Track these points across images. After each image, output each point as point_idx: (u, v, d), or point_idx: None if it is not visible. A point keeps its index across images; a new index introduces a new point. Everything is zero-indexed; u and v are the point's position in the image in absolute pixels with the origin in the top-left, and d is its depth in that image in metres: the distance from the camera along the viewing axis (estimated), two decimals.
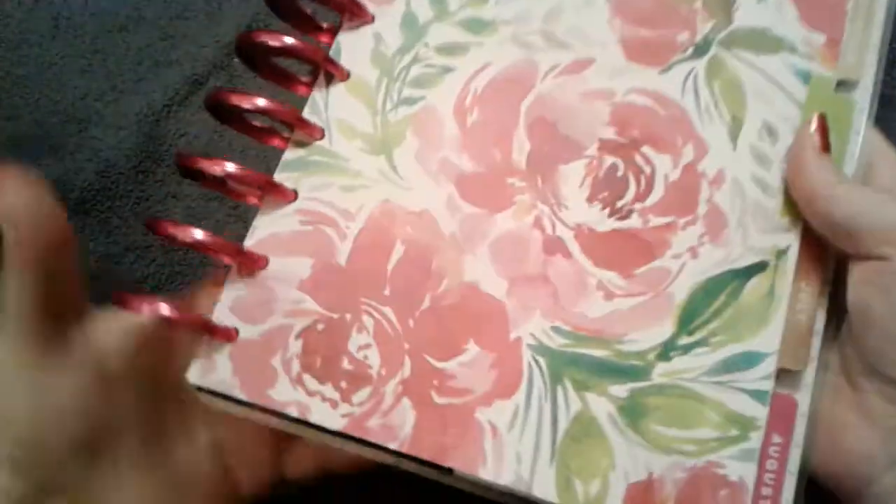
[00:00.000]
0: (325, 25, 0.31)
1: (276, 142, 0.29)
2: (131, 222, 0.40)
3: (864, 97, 0.29)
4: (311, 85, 0.30)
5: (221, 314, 0.27)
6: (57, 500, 0.24)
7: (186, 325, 0.26)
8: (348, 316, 0.27)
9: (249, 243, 0.27)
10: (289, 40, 0.28)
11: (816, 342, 0.27)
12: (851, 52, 0.30)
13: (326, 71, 0.29)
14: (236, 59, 0.41)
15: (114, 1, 0.44)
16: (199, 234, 0.26)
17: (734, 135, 0.29)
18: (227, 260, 0.27)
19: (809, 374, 0.27)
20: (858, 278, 0.26)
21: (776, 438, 0.26)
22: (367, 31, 0.30)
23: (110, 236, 0.40)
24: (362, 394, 0.26)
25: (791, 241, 0.27)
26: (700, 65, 0.30)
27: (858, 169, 0.28)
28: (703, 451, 0.25)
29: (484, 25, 0.30)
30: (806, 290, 0.27)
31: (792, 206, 0.28)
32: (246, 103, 0.27)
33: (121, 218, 0.40)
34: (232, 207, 0.40)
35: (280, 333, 0.26)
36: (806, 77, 0.29)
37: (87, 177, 0.40)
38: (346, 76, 0.29)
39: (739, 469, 0.25)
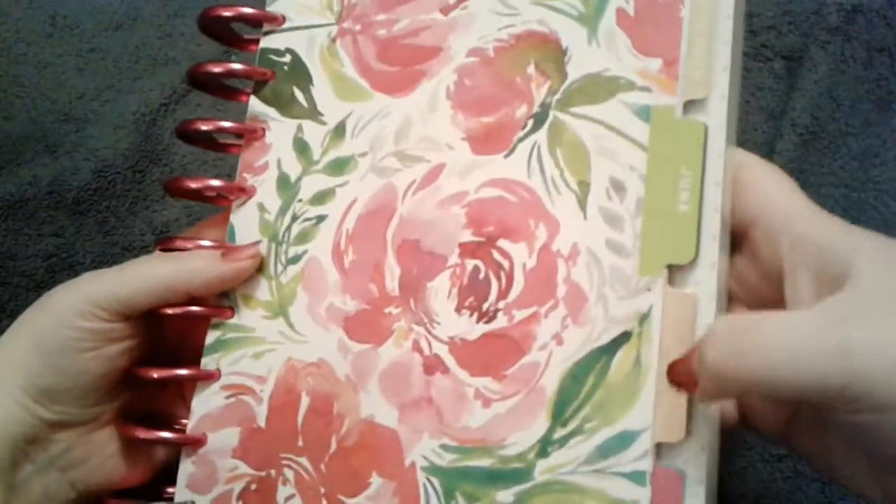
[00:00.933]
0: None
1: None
2: (128, 222, 0.42)
3: (718, 113, 0.27)
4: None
5: (181, 493, 0.32)
6: None
7: None
8: (273, 472, 0.31)
9: (191, 426, 0.32)
10: (203, 244, 0.33)
11: (698, 410, 0.26)
12: (697, 68, 0.28)
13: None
14: (234, 57, 0.44)
15: (111, 0, 0.45)
16: (163, 434, 0.31)
17: (582, 202, 0.29)
18: (176, 446, 0.32)
19: (696, 442, 0.26)
20: None
21: None
22: (251, 204, 0.34)
23: (107, 236, 0.42)
24: None
25: (652, 300, 0.27)
26: (541, 136, 0.30)
27: (725, 190, 0.27)
28: None
29: (345, 164, 0.33)
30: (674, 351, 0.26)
31: (649, 261, 0.27)
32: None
33: (118, 217, 0.42)
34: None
35: (224, 499, 0.31)
36: (646, 114, 0.28)
37: (84, 176, 0.42)
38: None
39: None
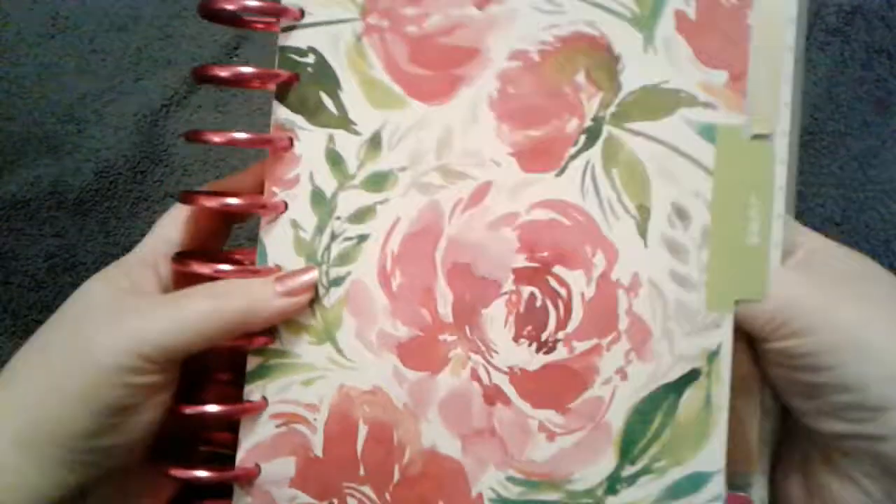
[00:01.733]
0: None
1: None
2: (129, 222, 0.42)
3: (780, 149, 0.26)
4: None
5: None
6: None
7: None
8: (335, 501, 0.31)
9: (240, 457, 0.32)
10: (222, 268, 0.32)
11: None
12: (762, 90, 0.26)
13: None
14: (235, 59, 0.45)
15: (112, 1, 0.45)
16: (200, 473, 0.31)
17: (643, 229, 0.28)
18: (228, 482, 0.32)
19: (760, 469, 0.26)
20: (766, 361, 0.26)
21: None
22: (284, 221, 0.32)
23: (108, 236, 0.43)
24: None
25: (721, 338, 0.26)
26: (595, 153, 0.28)
27: (786, 229, 0.26)
28: None
29: (384, 178, 0.31)
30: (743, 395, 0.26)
31: (718, 296, 0.26)
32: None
33: (119, 218, 0.43)
34: None
35: None
36: (710, 133, 0.27)
37: (86, 177, 0.43)
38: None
39: None
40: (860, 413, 0.24)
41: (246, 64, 0.32)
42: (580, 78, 0.29)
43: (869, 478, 0.25)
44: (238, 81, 0.33)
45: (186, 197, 0.32)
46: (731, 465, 0.27)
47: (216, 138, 0.32)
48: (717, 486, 0.26)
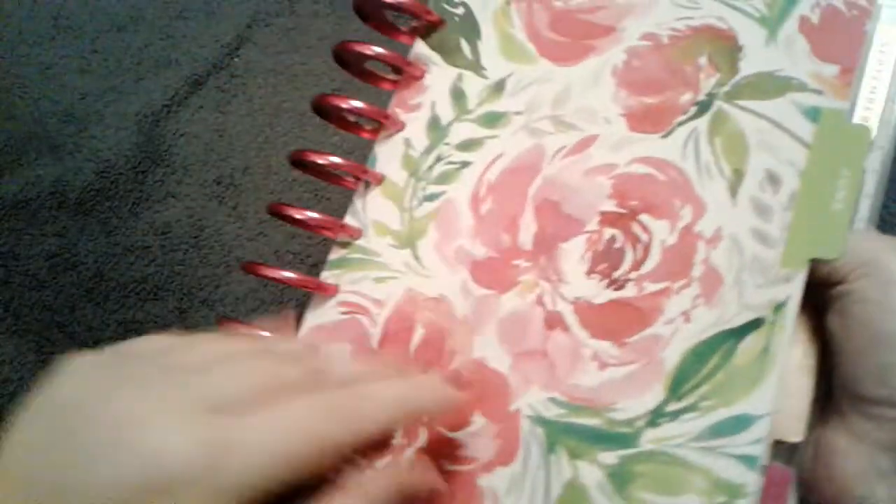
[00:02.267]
0: (368, 128, 0.36)
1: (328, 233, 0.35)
2: (130, 222, 0.42)
3: (882, 134, 0.28)
4: (355, 187, 0.35)
5: None
6: None
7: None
8: None
9: (301, 334, 0.34)
10: (333, 160, 0.34)
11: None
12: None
13: (364, 179, 0.35)
14: (237, 59, 0.45)
15: (113, 1, 0.46)
16: (264, 334, 0.33)
17: (734, 189, 0.29)
18: None
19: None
20: (829, 309, 0.27)
21: None
22: (398, 139, 0.35)
23: (110, 236, 0.42)
24: (383, 461, 0.31)
25: (791, 292, 0.27)
26: (702, 123, 0.31)
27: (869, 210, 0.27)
28: None
29: (498, 118, 0.34)
30: (806, 348, 0.27)
31: (794, 254, 0.27)
32: (297, 214, 0.34)
33: (120, 218, 0.43)
34: (232, 208, 0.42)
35: None
36: (814, 114, 0.29)
37: (87, 177, 0.43)
38: (380, 181, 0.35)
39: None
40: None
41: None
42: (702, 60, 0.32)
43: (881, 448, 0.25)
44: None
45: (321, 100, 0.35)
46: (781, 431, 0.27)
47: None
48: (761, 429, 0.26)
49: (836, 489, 0.26)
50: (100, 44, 0.46)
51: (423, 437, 0.31)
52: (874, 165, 0.29)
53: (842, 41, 0.29)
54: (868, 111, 0.30)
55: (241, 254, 0.42)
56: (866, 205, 0.29)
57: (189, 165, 0.44)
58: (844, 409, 0.27)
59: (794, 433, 0.28)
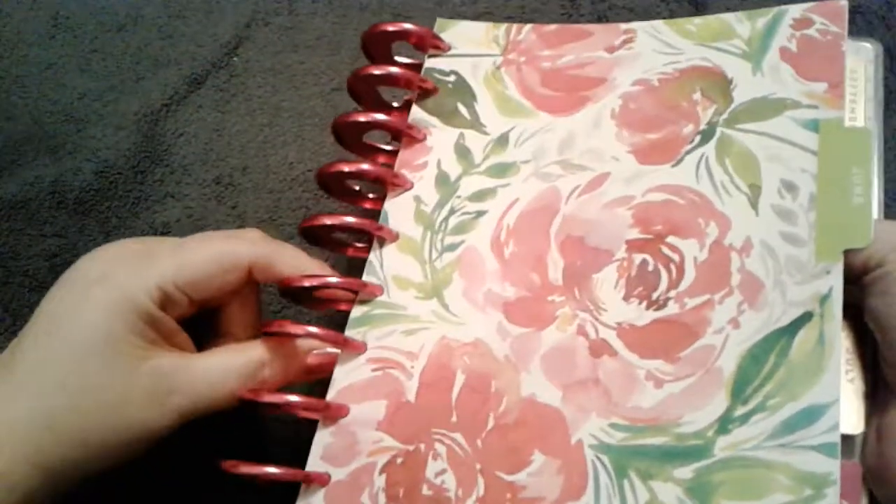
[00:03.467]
0: (370, 196, 0.37)
1: (343, 306, 0.34)
2: (130, 222, 0.42)
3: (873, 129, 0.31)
4: (367, 251, 0.35)
5: (314, 463, 0.31)
6: None
7: (288, 479, 0.30)
8: (422, 446, 0.30)
9: (331, 396, 0.32)
10: (347, 219, 0.34)
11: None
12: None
13: (378, 237, 0.35)
14: (235, 59, 0.45)
15: (113, 1, 0.46)
16: (291, 397, 0.31)
17: (754, 202, 0.31)
18: (314, 415, 0.31)
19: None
20: (870, 293, 0.28)
21: None
22: (408, 196, 0.36)
23: (109, 236, 0.42)
24: None
25: (832, 282, 0.28)
26: (709, 148, 0.32)
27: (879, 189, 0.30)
28: None
29: (507, 168, 0.35)
30: (848, 344, 0.28)
31: (826, 248, 0.29)
32: (316, 282, 0.33)
33: (119, 218, 0.42)
34: (231, 207, 0.42)
35: (365, 471, 0.30)
36: (814, 126, 0.31)
37: (86, 177, 0.42)
38: (395, 237, 0.35)
39: None
40: None
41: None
42: (696, 95, 0.34)
43: None
44: (393, 83, 0.37)
45: (325, 172, 0.35)
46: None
47: (362, 118, 0.36)
48: (834, 416, 0.26)
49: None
50: (99, 43, 0.46)
51: (481, 486, 0.29)
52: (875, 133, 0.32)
53: (823, 62, 0.32)
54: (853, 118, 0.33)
55: None
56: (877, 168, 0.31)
57: (188, 165, 0.44)
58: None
59: (853, 426, 0.28)
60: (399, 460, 0.30)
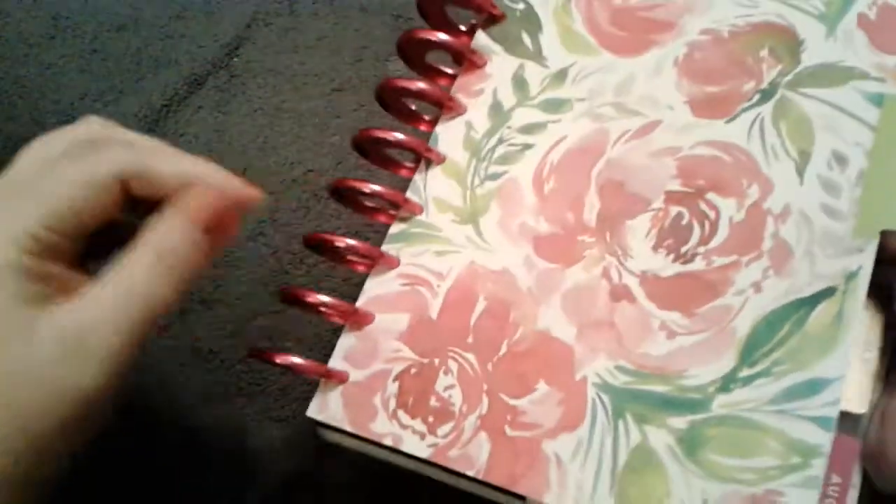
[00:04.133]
0: (426, 117, 0.37)
1: (384, 218, 0.35)
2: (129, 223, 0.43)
3: None
4: (413, 169, 0.36)
5: (336, 361, 0.33)
6: None
7: (311, 372, 0.32)
8: (437, 361, 0.32)
9: (360, 303, 0.34)
10: (397, 135, 0.35)
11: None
12: None
13: (426, 157, 0.36)
14: (236, 59, 0.45)
15: (113, 1, 0.46)
16: (323, 297, 0.33)
17: (801, 169, 0.30)
18: (341, 319, 0.33)
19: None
20: None
21: (835, 479, 0.26)
22: (460, 121, 0.36)
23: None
24: (446, 427, 0.31)
25: (863, 260, 0.28)
26: (766, 109, 0.32)
27: None
28: (762, 480, 0.26)
29: (561, 104, 0.35)
30: (871, 324, 0.27)
31: (865, 225, 0.28)
32: (363, 187, 0.34)
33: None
34: None
35: (381, 377, 0.32)
36: (878, 100, 0.30)
37: None
38: (442, 160, 0.36)
39: (800, 497, 0.26)
40: None
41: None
42: (763, 52, 0.33)
43: None
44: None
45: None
46: (845, 402, 0.27)
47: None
48: (836, 391, 0.26)
49: None
50: (99, 44, 0.46)
51: (485, 405, 0.31)
52: None
53: None
54: None
55: (240, 254, 0.42)
56: None
57: None
58: None
59: (858, 404, 0.28)
60: (413, 371, 0.32)
